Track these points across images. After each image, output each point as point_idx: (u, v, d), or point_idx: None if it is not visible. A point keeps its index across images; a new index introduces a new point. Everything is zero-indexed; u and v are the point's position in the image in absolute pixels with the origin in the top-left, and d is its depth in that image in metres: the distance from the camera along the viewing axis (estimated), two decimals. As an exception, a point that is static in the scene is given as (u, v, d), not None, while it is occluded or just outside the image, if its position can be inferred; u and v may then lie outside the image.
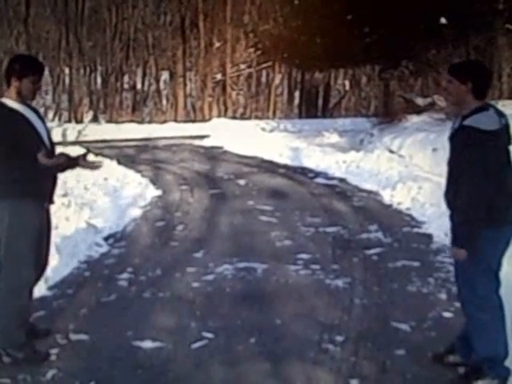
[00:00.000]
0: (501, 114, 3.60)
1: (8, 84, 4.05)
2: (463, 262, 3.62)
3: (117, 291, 5.49)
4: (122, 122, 29.26)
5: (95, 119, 30.78)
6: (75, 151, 12.69)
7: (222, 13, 31.40)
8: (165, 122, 29.10)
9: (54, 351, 4.27)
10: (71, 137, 20.44)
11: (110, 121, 30.46)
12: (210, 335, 4.49)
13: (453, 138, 3.67)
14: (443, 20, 13.82)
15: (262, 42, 24.70)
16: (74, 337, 4.51)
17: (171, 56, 32.65)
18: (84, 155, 4.26)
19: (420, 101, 16.27)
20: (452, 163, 3.68)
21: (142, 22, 33.77)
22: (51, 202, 4.29)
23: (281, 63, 28.28)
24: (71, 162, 4.14)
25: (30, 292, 4.25)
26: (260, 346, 4.32)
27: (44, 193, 4.16)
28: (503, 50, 12.47)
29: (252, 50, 30.40)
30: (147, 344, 4.37)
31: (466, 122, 3.52)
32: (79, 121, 29.89)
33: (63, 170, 4.20)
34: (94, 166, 4.34)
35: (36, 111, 4.25)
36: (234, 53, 31.54)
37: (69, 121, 29.69)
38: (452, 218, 3.76)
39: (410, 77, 14.91)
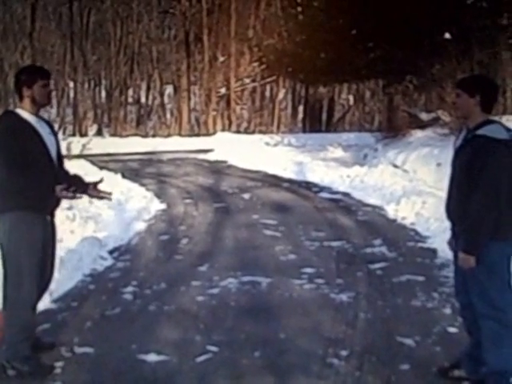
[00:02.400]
0: (507, 128, 3.65)
1: (20, 96, 4.13)
2: (477, 274, 3.64)
3: (121, 304, 5.50)
4: (126, 135, 29.40)
5: (99, 133, 30.94)
6: (80, 165, 12.84)
7: (226, 27, 31.59)
8: (169, 135, 29.27)
9: (58, 364, 4.27)
10: (75, 150, 20.44)
11: (114, 134, 30.61)
12: (214, 349, 4.48)
13: (461, 149, 3.72)
14: (447, 35, 13.88)
15: (266, 56, 24.76)
16: (78, 350, 4.51)
17: (175, 70, 32.82)
18: (95, 183, 4.34)
19: (424, 116, 16.28)
20: (460, 174, 3.71)
21: (147, 36, 33.99)
22: (53, 214, 4.29)
23: (285, 78, 28.39)
24: (83, 189, 4.23)
25: (35, 305, 4.26)
26: (264, 360, 4.32)
27: (47, 205, 4.15)
28: (507, 65, 12.51)
29: (256, 64, 30.50)
30: (152, 357, 4.36)
31: (480, 132, 3.58)
32: (83, 134, 30.03)
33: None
34: (102, 197, 4.45)
35: (49, 124, 4.31)
36: (238, 67, 31.66)
37: (73, 134, 29.82)
38: (453, 228, 3.84)
39: (414, 92, 14.95)
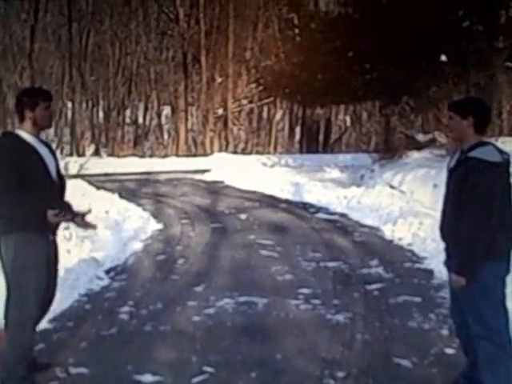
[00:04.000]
0: (501, 151, 3.68)
1: (21, 118, 4.15)
2: (471, 296, 3.66)
3: (117, 324, 5.47)
4: (124, 155, 29.44)
5: (97, 153, 30.95)
6: (77, 185, 12.85)
7: (223, 48, 31.80)
8: (166, 156, 29.34)
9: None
10: (73, 170, 20.45)
11: (111, 154, 30.66)
12: (210, 369, 4.46)
13: (455, 171, 3.75)
14: (443, 57, 13.99)
15: (263, 77, 24.94)
16: (73, 370, 4.49)
17: (173, 91, 32.97)
18: (83, 214, 4.34)
19: (421, 137, 16.38)
20: (453, 195, 3.73)
21: (145, 57, 34.19)
22: (55, 234, 4.31)
23: (282, 99, 28.49)
24: (70, 217, 4.28)
25: (35, 326, 4.26)
26: (260, 381, 4.30)
27: (50, 225, 4.15)
28: (503, 88, 12.61)
29: (254, 85, 30.70)
30: (147, 378, 4.34)
31: (472, 154, 3.61)
32: (81, 154, 30.07)
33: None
34: (88, 227, 4.48)
35: (48, 145, 4.33)
36: (235, 88, 31.83)
37: (70, 154, 29.84)
38: (447, 249, 3.87)
39: (411, 113, 15.04)
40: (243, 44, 32.97)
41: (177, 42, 32.84)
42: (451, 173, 3.80)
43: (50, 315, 5.56)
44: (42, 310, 4.28)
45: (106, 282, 6.92)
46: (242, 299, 6.13)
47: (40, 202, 4.01)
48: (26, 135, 4.11)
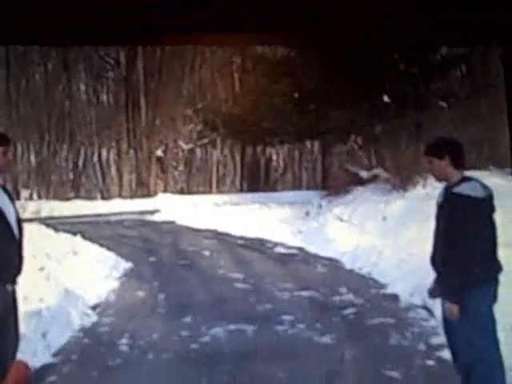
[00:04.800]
0: (484, 186, 4.05)
1: None
2: (461, 322, 3.95)
3: (120, 355, 5.82)
4: (67, 198, 29.34)
5: (31, 197, 30.69)
6: (35, 228, 12.98)
7: (162, 90, 32.33)
8: (110, 197, 29.40)
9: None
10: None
11: (54, 198, 30.48)
12: (222, 389, 4.88)
13: (442, 207, 4.12)
14: (386, 98, 14.93)
15: (207, 119, 25.53)
16: (94, 397, 4.82)
17: (115, 133, 33.17)
18: None
19: (364, 173, 17.16)
20: (443, 228, 4.08)
21: (88, 100, 34.33)
22: (15, 282, 4.18)
23: (224, 139, 29.17)
24: None
25: None
26: (270, 396, 4.74)
27: (7, 274, 4.05)
28: (441, 127, 13.56)
29: (197, 126, 31.26)
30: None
31: (456, 190, 3.97)
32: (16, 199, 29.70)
33: None
34: None
35: (5, 190, 4.18)
36: (177, 129, 32.33)
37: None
38: (439, 278, 4.16)
39: (358, 151, 15.91)
40: (180, 85, 33.58)
41: (118, 85, 33.18)
42: (439, 208, 4.15)
43: (52, 350, 5.92)
44: (6, 355, 4.15)
45: (94, 318, 7.21)
46: (231, 327, 6.57)
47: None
48: None
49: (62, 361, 5.70)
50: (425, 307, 7.01)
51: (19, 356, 4.48)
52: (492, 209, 4.06)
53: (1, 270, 3.95)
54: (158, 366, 5.50)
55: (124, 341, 6.23)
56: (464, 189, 3.93)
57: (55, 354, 5.85)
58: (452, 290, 3.97)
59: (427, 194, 11.76)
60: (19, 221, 4.21)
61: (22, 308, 4.72)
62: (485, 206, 3.99)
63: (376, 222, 12.96)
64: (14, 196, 4.43)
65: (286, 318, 6.92)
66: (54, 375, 5.31)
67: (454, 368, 4.28)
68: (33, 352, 5.64)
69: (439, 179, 4.18)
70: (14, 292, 4.17)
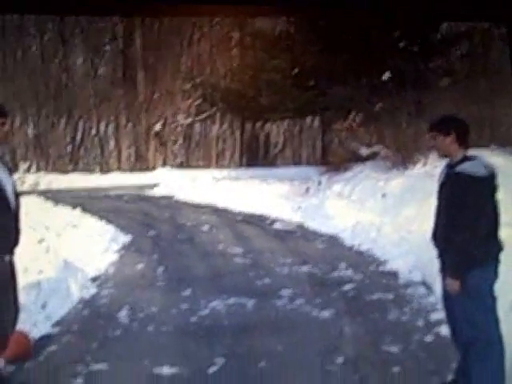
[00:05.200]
0: (486, 165, 4.04)
1: None
2: (462, 299, 4.00)
3: (120, 327, 5.85)
4: (66, 171, 29.32)
5: (29, 170, 30.65)
6: (34, 201, 12.98)
7: (161, 64, 32.17)
8: (109, 171, 29.38)
9: (78, 380, 4.60)
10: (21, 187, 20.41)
11: (53, 171, 30.44)
12: (221, 361, 4.90)
13: (444, 185, 4.13)
14: (387, 75, 14.85)
15: (205, 93, 25.37)
16: (94, 367, 4.83)
17: (114, 107, 33.04)
18: None
19: (363, 150, 17.13)
20: (444, 207, 4.11)
21: (86, 73, 34.15)
22: (12, 253, 4.21)
23: (224, 114, 29.08)
24: None
25: None
26: (270, 370, 4.77)
27: (4, 246, 4.10)
28: (440, 106, 13.49)
29: (196, 100, 31.09)
30: (166, 370, 4.75)
31: (459, 169, 3.97)
32: (14, 171, 29.68)
33: None
34: None
35: (4, 162, 4.20)
36: (176, 103, 32.20)
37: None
38: (441, 256, 4.18)
39: (358, 128, 15.86)
40: (178, 60, 33.39)
41: (116, 59, 32.99)
42: (441, 186, 4.16)
43: (51, 321, 5.94)
44: (7, 324, 4.21)
45: (93, 290, 7.23)
46: (230, 301, 6.60)
47: None
48: None
49: (62, 331, 5.73)
50: (424, 284, 7.04)
51: (20, 326, 4.52)
52: (495, 188, 4.07)
53: None
54: (158, 338, 5.53)
55: (123, 313, 6.26)
56: (467, 167, 3.94)
57: (55, 325, 5.88)
58: (453, 267, 4.01)
59: (427, 171, 11.76)
60: (16, 193, 4.22)
61: (22, 280, 4.75)
62: (487, 184, 4.00)
63: (376, 199, 12.95)
64: (12, 168, 4.42)
65: (285, 292, 6.95)
66: (53, 345, 5.35)
67: (452, 344, 4.33)
68: (33, 323, 5.67)
69: (442, 156, 4.19)
70: (11, 263, 4.20)
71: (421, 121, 13.69)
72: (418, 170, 12.80)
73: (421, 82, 15.55)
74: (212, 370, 4.76)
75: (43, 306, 6.26)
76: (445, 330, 5.01)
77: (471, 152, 4.13)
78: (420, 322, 5.84)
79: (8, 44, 33.12)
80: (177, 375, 4.69)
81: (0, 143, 4.16)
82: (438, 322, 5.54)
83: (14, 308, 4.27)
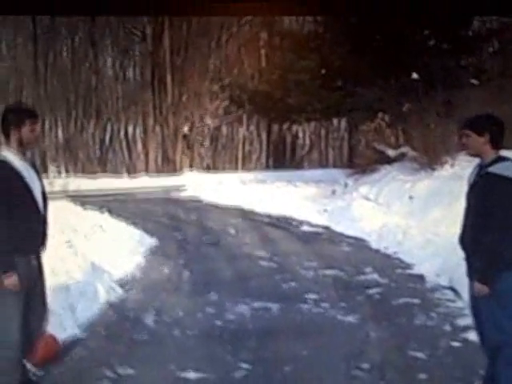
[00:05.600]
0: None
1: (7, 137, 4.03)
2: (490, 304, 3.93)
3: (147, 331, 5.89)
4: (94, 173, 29.58)
5: (67, 171, 31.03)
6: (62, 204, 13.13)
7: (188, 66, 32.30)
8: (136, 174, 29.57)
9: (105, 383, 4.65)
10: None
11: (80, 174, 30.72)
12: (246, 366, 4.91)
13: (474, 186, 4.05)
14: (415, 75, 14.73)
15: (233, 95, 25.45)
16: (121, 371, 4.87)
17: (141, 109, 33.24)
18: None
19: (391, 152, 17.03)
20: (474, 208, 4.01)
21: (114, 75, 34.45)
22: (39, 256, 4.25)
23: (251, 115, 29.11)
24: None
25: (22, 347, 4.11)
26: (295, 375, 4.76)
27: (31, 248, 4.12)
28: (471, 105, 13.31)
29: (223, 103, 31.19)
30: (191, 375, 4.77)
31: (491, 170, 3.88)
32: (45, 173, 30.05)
33: None
34: None
35: (33, 165, 4.22)
36: (204, 105, 32.30)
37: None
38: (468, 259, 4.09)
39: (386, 129, 15.77)
40: (206, 61, 33.48)
41: (144, 61, 33.22)
42: (472, 187, 4.07)
43: (79, 324, 6.01)
44: (29, 332, 4.17)
45: (120, 293, 7.29)
46: (256, 305, 6.61)
47: (19, 225, 3.96)
48: (12, 157, 3.97)
49: (90, 335, 5.78)
50: (451, 288, 6.97)
51: (48, 329, 4.58)
52: None
53: (24, 243, 4.01)
54: (184, 342, 5.55)
55: (150, 316, 6.30)
56: (500, 169, 3.85)
57: (83, 328, 5.93)
58: (481, 271, 3.93)
59: (455, 173, 11.65)
60: (45, 195, 4.26)
61: (50, 282, 4.81)
62: None
63: (402, 202, 12.87)
64: (41, 171, 4.48)
65: (311, 296, 6.94)
66: (81, 349, 5.40)
67: (480, 350, 4.24)
68: (61, 325, 5.73)
69: (472, 155, 4.09)
70: (39, 265, 4.24)
71: (449, 121, 13.56)
72: (445, 171, 12.68)
73: (451, 81, 15.36)
74: (237, 374, 4.77)
75: (71, 309, 6.33)
76: (473, 336, 4.92)
77: (504, 153, 4.04)
78: (447, 327, 5.80)
79: (40, 48, 33.54)
80: (202, 379, 4.71)
81: (31, 146, 4.15)
82: (466, 328, 5.48)
83: (42, 311, 4.32)
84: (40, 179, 4.23)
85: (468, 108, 13.58)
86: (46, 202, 4.28)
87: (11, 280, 3.91)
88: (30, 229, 4.06)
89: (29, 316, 4.12)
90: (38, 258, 4.22)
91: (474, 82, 15.45)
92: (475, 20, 17.41)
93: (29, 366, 4.44)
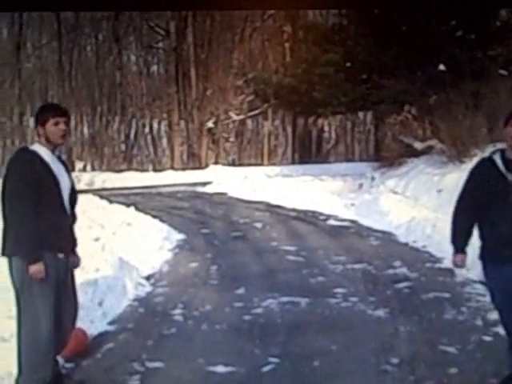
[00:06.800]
0: None
1: (38, 135, 4.15)
2: None
3: (175, 325, 5.89)
4: (120, 170, 29.78)
5: (84, 168, 31.30)
6: (89, 199, 13.24)
7: (212, 60, 32.34)
8: (162, 169, 29.72)
9: (135, 377, 4.65)
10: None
11: (107, 169, 30.98)
12: (275, 360, 4.89)
13: None
14: (442, 67, 14.55)
15: (262, 89, 25.40)
16: (150, 365, 4.88)
17: (166, 104, 33.38)
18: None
19: (418, 145, 16.87)
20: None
21: (139, 71, 34.62)
22: (67, 253, 4.27)
23: (276, 110, 29.04)
24: None
25: (54, 343, 4.14)
26: (324, 369, 4.73)
27: (58, 245, 4.14)
28: (500, 96, 13.12)
29: (248, 97, 31.17)
30: (220, 369, 4.76)
31: None
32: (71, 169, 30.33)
33: None
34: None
35: (63, 163, 4.29)
36: (228, 100, 32.33)
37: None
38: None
39: (413, 122, 15.61)
40: (230, 56, 33.50)
41: (168, 56, 33.33)
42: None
43: (108, 319, 6.04)
44: (62, 328, 4.21)
45: (148, 288, 7.32)
46: (284, 299, 6.58)
47: (47, 222, 4.02)
48: (42, 151, 4.08)
49: (119, 329, 5.81)
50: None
51: (78, 324, 4.60)
52: None
53: (51, 240, 4.05)
54: (212, 336, 5.55)
55: (178, 311, 6.31)
56: None
57: (111, 323, 5.97)
58: None
59: (484, 166, 11.48)
60: (74, 191, 4.31)
61: (79, 278, 4.84)
62: None
63: (430, 195, 12.75)
64: (69, 167, 4.51)
65: (339, 290, 6.90)
66: (110, 343, 5.42)
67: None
68: (90, 320, 5.78)
69: None
70: (67, 261, 4.25)
71: (478, 113, 13.38)
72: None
73: (478, 72, 15.16)
74: (266, 368, 4.75)
75: (100, 304, 6.38)
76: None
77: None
78: (478, 322, 5.72)
79: (64, 44, 33.86)
80: (231, 373, 4.70)
81: (58, 142, 4.14)
82: (497, 322, 5.36)
83: (72, 307, 4.36)
84: (70, 177, 4.29)
85: (497, 99, 13.42)
86: (76, 199, 4.34)
87: (36, 268, 3.94)
88: (56, 226, 4.09)
89: (60, 311, 4.16)
90: (66, 255, 4.23)
91: (503, 72, 15.21)
92: (503, 10, 17.15)
93: (60, 360, 4.49)
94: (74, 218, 4.38)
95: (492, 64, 14.93)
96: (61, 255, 4.16)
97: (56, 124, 4.07)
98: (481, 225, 4.14)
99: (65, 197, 4.15)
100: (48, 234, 4.02)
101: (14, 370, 4.16)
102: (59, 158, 4.27)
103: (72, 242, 4.35)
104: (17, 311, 4.13)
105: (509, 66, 15.41)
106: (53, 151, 4.14)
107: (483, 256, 4.17)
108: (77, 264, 4.46)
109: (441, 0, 11.81)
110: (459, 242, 4.28)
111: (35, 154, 4.06)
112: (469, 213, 4.17)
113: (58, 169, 4.12)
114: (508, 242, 3.95)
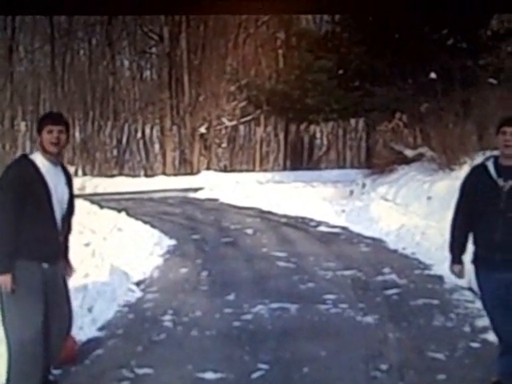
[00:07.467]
0: None
1: (39, 143, 4.14)
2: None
3: (165, 331, 5.89)
4: (111, 175, 29.73)
5: (84, 173, 31.24)
6: (79, 204, 13.16)
7: (205, 66, 32.38)
8: (154, 175, 29.69)
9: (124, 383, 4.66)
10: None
11: (98, 175, 30.93)
12: (265, 366, 4.90)
13: None
14: (433, 75, 14.65)
15: (255, 95, 25.45)
16: (139, 371, 4.88)
17: (159, 110, 33.37)
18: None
19: (409, 152, 16.92)
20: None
21: (132, 76, 34.61)
22: (55, 263, 4.21)
23: (269, 116, 29.09)
24: None
25: (41, 353, 4.10)
26: (313, 376, 4.74)
27: (45, 254, 4.09)
28: (490, 104, 13.22)
29: (241, 103, 31.21)
30: (210, 375, 4.77)
31: None
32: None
33: None
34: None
35: (65, 171, 4.27)
36: (221, 106, 32.36)
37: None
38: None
39: (404, 129, 15.70)
40: (223, 62, 33.54)
41: (161, 62, 33.34)
42: (510, 193, 3.97)
43: (97, 324, 6.03)
44: (53, 336, 4.20)
45: (138, 294, 7.31)
46: (274, 305, 6.60)
47: (34, 230, 4.00)
48: (39, 160, 4.05)
49: (108, 335, 5.80)
50: (470, 289, 6.90)
51: (66, 330, 4.59)
52: None
53: (35, 250, 4.03)
54: (202, 342, 5.55)
55: (168, 317, 6.31)
56: None
57: (101, 329, 5.96)
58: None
59: (474, 173, 11.54)
60: (72, 203, 4.29)
61: (69, 283, 4.81)
62: None
63: (421, 202, 12.79)
64: (72, 178, 4.43)
65: (329, 297, 6.92)
66: (99, 349, 5.41)
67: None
68: (79, 326, 5.75)
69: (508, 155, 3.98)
70: (55, 271, 4.18)
71: (468, 121, 13.45)
72: (464, 171, 12.47)
73: (469, 81, 15.27)
74: (255, 375, 4.76)
75: (89, 310, 6.36)
76: (492, 336, 4.91)
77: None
78: (466, 328, 5.76)
79: (57, 49, 33.82)
80: (221, 380, 4.71)
81: (53, 150, 4.06)
82: (485, 328, 5.43)
83: (63, 315, 4.30)
84: (70, 188, 4.27)
85: (486, 107, 13.51)
86: (72, 212, 4.32)
87: (3, 279, 3.92)
88: (41, 234, 4.04)
89: (48, 320, 4.14)
90: (52, 264, 4.16)
91: (493, 81, 15.35)
92: (493, 19, 17.31)
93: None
94: (69, 228, 4.36)
95: (482, 73, 15.06)
96: (45, 265, 4.08)
97: (49, 132, 4.04)
98: (474, 230, 4.15)
99: (56, 208, 4.09)
100: (32, 245, 4.00)
101: (2, 379, 4.17)
102: (63, 168, 4.24)
103: (62, 251, 4.32)
104: (2, 319, 4.12)
105: (498, 75, 15.53)
106: (53, 161, 4.10)
107: (476, 261, 4.18)
108: (69, 273, 4.47)
109: (432, 9, 11.91)
110: (457, 251, 4.30)
111: (31, 164, 4.02)
112: (465, 222, 4.21)
113: (54, 179, 4.07)
114: (500, 247, 3.97)
